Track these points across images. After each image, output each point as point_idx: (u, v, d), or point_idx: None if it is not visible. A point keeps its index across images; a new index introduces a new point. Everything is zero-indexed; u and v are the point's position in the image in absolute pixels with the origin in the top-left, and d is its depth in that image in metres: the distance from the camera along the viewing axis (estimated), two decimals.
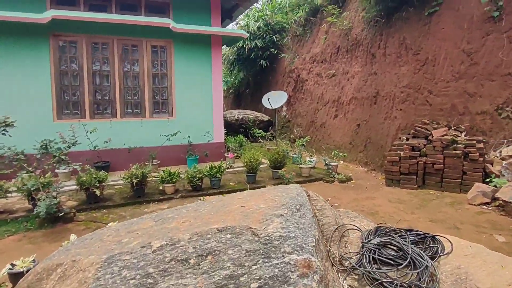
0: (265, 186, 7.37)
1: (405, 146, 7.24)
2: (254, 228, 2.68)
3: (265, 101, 11.79)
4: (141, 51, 8.76)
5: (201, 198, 6.59)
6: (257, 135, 11.06)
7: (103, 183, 5.95)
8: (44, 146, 4.93)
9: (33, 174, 5.42)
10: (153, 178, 6.77)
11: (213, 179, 6.94)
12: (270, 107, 11.64)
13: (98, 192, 5.78)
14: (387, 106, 9.31)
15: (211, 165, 7.09)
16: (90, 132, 7.08)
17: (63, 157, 4.97)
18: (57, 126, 7.83)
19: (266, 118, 15.01)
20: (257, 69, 16.39)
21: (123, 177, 6.25)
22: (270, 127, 15.07)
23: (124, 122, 8.49)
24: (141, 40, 8.74)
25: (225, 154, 9.36)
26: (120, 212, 5.77)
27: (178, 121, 8.96)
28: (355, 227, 3.19)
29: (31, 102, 7.62)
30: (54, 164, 5.09)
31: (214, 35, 9.13)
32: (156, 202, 6.33)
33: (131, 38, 8.64)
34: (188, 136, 8.70)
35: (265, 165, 8.52)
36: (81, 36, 8.22)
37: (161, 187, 6.94)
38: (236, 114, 14.07)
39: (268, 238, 2.39)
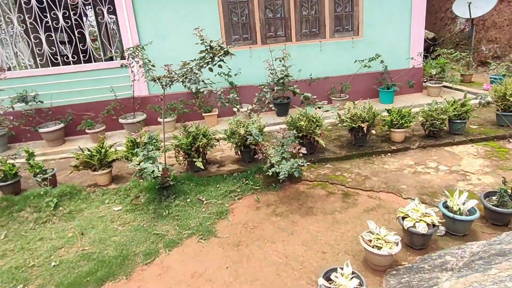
0: None
1: None
2: None
3: (459, 8, 8.21)
4: None
5: (448, 148, 4.43)
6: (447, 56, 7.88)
7: (321, 130, 4.24)
8: (280, 81, 3.27)
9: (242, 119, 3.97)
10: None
11: (456, 121, 4.61)
12: (468, 16, 8.08)
13: (322, 142, 4.11)
14: None
15: (454, 100, 4.70)
16: (281, 60, 5.27)
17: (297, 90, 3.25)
18: None
19: (430, 35, 11.28)
20: None
21: (343, 120, 4.42)
22: (431, 47, 11.38)
23: (300, 47, 6.46)
24: None
25: (427, 84, 6.71)
26: (352, 169, 4.06)
27: (365, 41, 6.51)
28: None
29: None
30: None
31: None
32: (389, 154, 4.42)
33: None
34: (382, 61, 6.28)
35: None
36: None
37: (373, 131, 4.99)
38: None
39: None
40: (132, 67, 5.48)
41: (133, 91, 5.88)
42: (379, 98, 6.53)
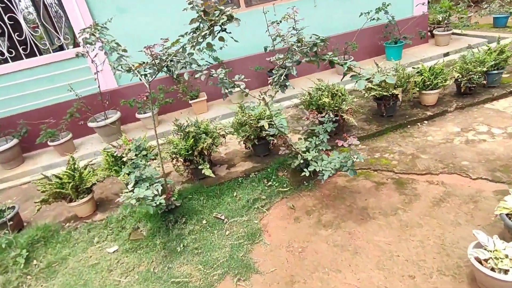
0: None
1: None
2: None
3: None
4: None
5: (488, 105, 3.82)
6: None
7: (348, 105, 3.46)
8: (313, 49, 2.37)
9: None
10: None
11: (493, 72, 3.98)
12: None
13: (352, 120, 3.35)
14: None
15: (489, 48, 4.04)
16: (278, 23, 4.31)
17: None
18: None
19: None
20: None
21: (370, 88, 3.65)
22: None
23: (291, 4, 5.49)
24: None
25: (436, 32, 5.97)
26: (391, 147, 3.38)
27: None
28: None
29: None
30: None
31: None
32: (425, 122, 3.76)
33: None
34: (386, 11, 5.43)
35: None
36: None
37: (394, 91, 4.28)
38: None
39: None
40: (94, 56, 4.33)
41: (99, 85, 4.76)
42: (386, 54, 5.79)
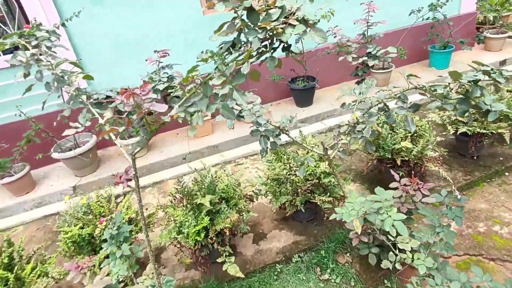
0: None
1: None
2: None
3: None
4: None
5: None
6: None
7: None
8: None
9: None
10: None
11: None
12: None
13: (443, 172, 2.22)
14: None
15: None
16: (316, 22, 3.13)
17: None
18: (207, 21, 3.93)
19: None
20: None
21: (458, 122, 2.51)
22: None
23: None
24: None
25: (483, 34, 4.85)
26: (497, 210, 2.23)
27: None
28: None
29: None
30: None
31: None
32: None
33: None
34: (435, 7, 4.24)
35: None
36: None
37: (500, 129, 3.18)
38: None
39: None
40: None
41: (64, 100, 3.46)
42: (429, 61, 4.65)
